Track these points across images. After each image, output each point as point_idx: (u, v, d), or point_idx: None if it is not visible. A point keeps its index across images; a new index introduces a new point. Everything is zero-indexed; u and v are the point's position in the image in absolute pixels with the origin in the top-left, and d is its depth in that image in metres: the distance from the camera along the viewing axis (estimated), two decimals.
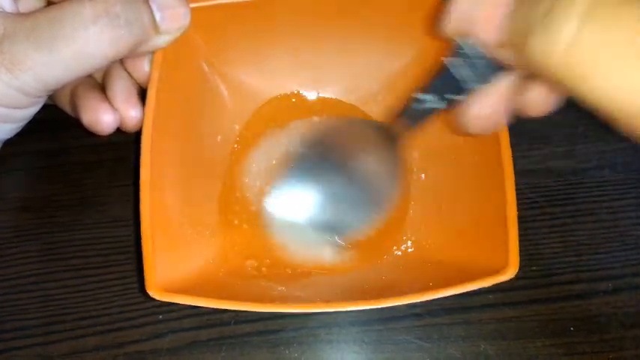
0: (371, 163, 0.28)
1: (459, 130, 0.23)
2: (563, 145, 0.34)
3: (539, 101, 0.21)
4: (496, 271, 0.23)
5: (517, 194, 0.24)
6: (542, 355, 0.28)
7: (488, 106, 0.22)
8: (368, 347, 0.28)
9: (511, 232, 0.23)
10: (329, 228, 0.29)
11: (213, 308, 0.28)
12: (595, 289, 0.29)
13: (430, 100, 0.23)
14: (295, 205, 0.28)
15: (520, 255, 0.23)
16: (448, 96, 0.22)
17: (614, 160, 0.33)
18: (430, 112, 0.24)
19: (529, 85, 0.21)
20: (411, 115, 0.25)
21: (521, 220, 0.24)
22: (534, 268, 0.30)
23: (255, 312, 0.29)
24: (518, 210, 0.24)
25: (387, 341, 0.28)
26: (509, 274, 0.23)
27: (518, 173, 0.24)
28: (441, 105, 0.23)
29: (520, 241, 0.23)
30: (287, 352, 0.28)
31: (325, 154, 0.28)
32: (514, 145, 0.25)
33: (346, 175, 0.28)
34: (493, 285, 0.29)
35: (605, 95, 0.16)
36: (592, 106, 0.16)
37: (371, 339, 0.28)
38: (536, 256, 0.30)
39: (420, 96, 0.23)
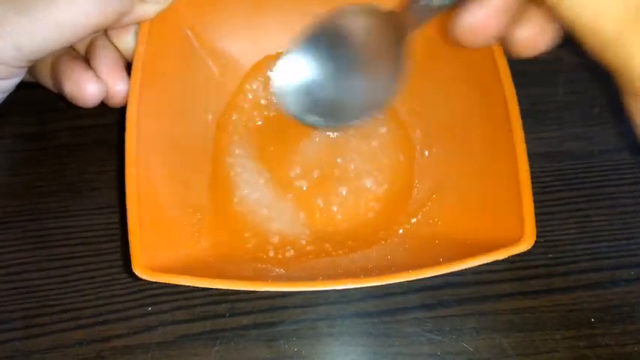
0: (374, 52, 0.27)
1: (450, 39, 0.22)
2: (578, 127, 0.32)
3: (530, 38, 0.22)
4: (511, 243, 0.21)
5: (531, 179, 0.22)
6: (562, 347, 0.26)
7: (485, 14, 0.21)
8: (374, 341, 0.26)
9: (525, 199, 0.21)
10: (327, 110, 0.28)
11: (206, 299, 0.27)
12: (616, 278, 0.27)
13: None
14: (297, 82, 0.27)
15: (536, 242, 0.21)
16: None
17: (633, 141, 0.32)
18: (435, 9, 0.23)
19: (524, 17, 0.22)
20: (416, 10, 0.24)
21: (536, 205, 0.22)
22: (551, 255, 0.28)
23: (252, 303, 0.27)
24: (533, 194, 0.22)
25: (394, 334, 0.26)
26: (525, 244, 0.21)
27: (532, 157, 0.23)
28: (444, 3, 0.23)
29: (536, 226, 0.21)
30: (286, 346, 0.26)
31: (326, 40, 0.27)
32: (526, 128, 0.23)
33: (347, 61, 0.27)
34: (509, 272, 0.27)
35: (576, 18, 0.18)
36: (568, 27, 0.19)
37: (377, 332, 0.26)
38: (553, 243, 0.28)
39: None
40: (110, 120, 0.32)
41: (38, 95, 0.31)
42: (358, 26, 0.27)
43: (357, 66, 0.27)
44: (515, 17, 0.21)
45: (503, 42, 0.23)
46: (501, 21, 0.21)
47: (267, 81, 0.30)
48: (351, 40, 0.27)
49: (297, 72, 0.27)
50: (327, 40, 0.27)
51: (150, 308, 0.27)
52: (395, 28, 0.26)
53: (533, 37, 0.21)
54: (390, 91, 0.27)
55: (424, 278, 0.27)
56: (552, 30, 0.22)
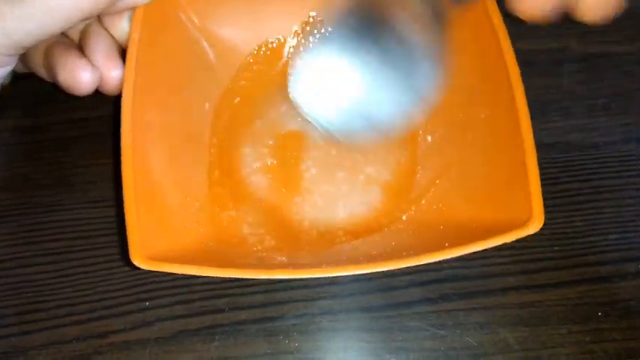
0: (411, 41, 0.24)
1: (514, 11, 0.20)
2: (583, 118, 0.32)
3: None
4: (519, 226, 0.20)
5: None
6: (568, 342, 0.25)
7: None
8: (376, 336, 0.26)
9: (532, 180, 0.21)
10: (358, 117, 0.25)
11: (205, 293, 0.27)
12: (623, 271, 0.27)
13: None
14: (322, 84, 0.25)
15: (542, 234, 0.21)
16: None
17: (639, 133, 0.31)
18: None
19: None
20: None
21: (542, 196, 0.21)
22: (557, 248, 0.28)
23: (252, 298, 0.26)
24: None
25: (397, 329, 0.26)
26: (534, 226, 0.20)
27: (537, 148, 0.22)
28: None
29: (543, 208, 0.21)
30: (286, 341, 0.26)
31: (357, 26, 0.24)
32: (531, 118, 0.22)
33: (381, 55, 0.24)
34: (513, 265, 0.27)
35: None
36: None
37: (380, 327, 0.26)
38: (559, 236, 0.28)
39: None
40: (106, 112, 0.31)
41: (34, 88, 0.31)
42: (388, 12, 0.24)
43: (388, 65, 0.24)
44: None
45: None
46: None
47: (265, 69, 0.29)
48: (382, 29, 0.24)
49: (319, 72, 0.24)
50: (351, 32, 0.24)
51: (147, 303, 0.26)
52: (433, 10, 0.23)
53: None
54: (431, 81, 0.24)
55: (428, 270, 0.27)
56: None
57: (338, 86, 0.25)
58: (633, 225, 0.28)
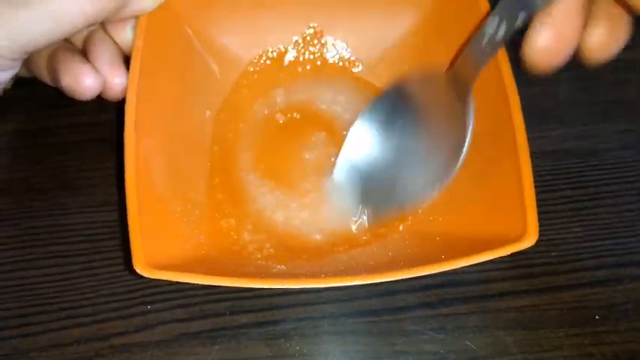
0: (437, 124, 0.25)
1: (524, 66, 0.21)
2: (581, 125, 0.32)
3: (602, 40, 0.20)
4: (514, 240, 0.20)
5: (534, 177, 0.22)
6: (566, 345, 0.25)
7: (556, 29, 0.19)
8: (376, 340, 0.26)
9: (527, 195, 0.21)
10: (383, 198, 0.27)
11: (206, 297, 0.27)
12: (621, 275, 0.27)
13: (495, 30, 0.21)
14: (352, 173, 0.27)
15: (540, 240, 0.21)
16: (514, 20, 0.20)
17: (638, 139, 0.31)
18: (497, 43, 0.21)
19: (592, 20, 0.20)
20: (476, 53, 0.22)
21: (540, 203, 0.22)
22: (554, 253, 0.28)
23: (253, 301, 0.27)
24: (536, 193, 0.22)
25: (397, 333, 0.26)
26: (528, 241, 0.20)
27: (535, 155, 0.22)
28: (507, 32, 0.20)
29: (539, 225, 0.21)
30: (287, 345, 0.26)
31: (388, 118, 0.26)
32: (529, 126, 0.23)
33: (407, 142, 0.26)
34: (512, 270, 0.27)
35: None
36: None
37: (379, 330, 0.26)
38: (557, 241, 0.28)
39: (485, 27, 0.21)
40: (109, 117, 0.32)
41: (37, 92, 0.31)
42: (417, 97, 0.26)
43: (418, 146, 0.26)
44: (584, 22, 0.20)
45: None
46: (576, 28, 0.19)
47: (265, 78, 0.30)
48: (411, 114, 0.26)
49: (357, 161, 0.27)
50: (385, 119, 0.26)
51: (149, 306, 0.27)
52: (456, 86, 0.24)
53: (606, 37, 0.20)
54: (451, 166, 0.25)
55: (426, 276, 0.27)
56: (623, 25, 0.20)
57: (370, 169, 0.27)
58: (630, 230, 0.28)
